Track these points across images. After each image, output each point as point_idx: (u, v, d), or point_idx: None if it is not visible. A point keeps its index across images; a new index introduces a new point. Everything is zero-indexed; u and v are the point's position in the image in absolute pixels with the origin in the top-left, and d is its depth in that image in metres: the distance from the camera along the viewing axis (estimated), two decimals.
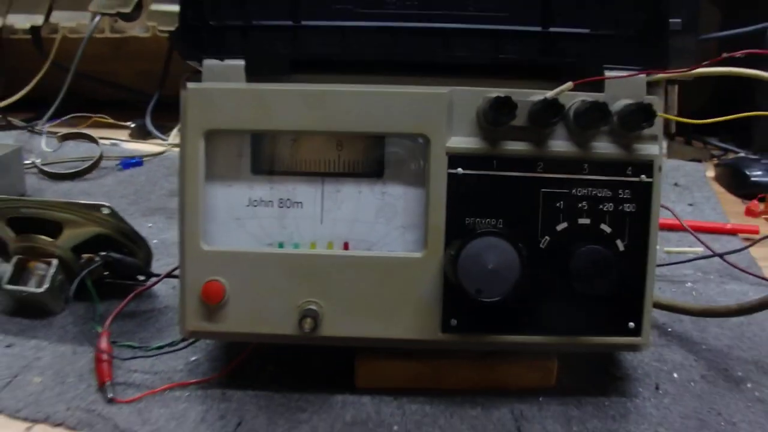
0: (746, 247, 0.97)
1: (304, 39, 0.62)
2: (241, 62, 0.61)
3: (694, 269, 0.94)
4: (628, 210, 0.60)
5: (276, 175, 0.62)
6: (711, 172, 1.35)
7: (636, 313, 0.61)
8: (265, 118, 0.60)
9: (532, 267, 0.58)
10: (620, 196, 0.60)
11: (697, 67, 0.62)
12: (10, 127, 1.54)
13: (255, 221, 0.62)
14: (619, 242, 0.60)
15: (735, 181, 1.28)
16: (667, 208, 1.05)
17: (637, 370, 0.70)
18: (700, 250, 0.96)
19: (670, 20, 1.21)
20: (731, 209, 1.19)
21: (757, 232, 1.06)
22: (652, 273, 0.61)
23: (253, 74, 0.61)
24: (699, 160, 1.40)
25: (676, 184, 1.26)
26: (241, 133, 0.61)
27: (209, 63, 0.61)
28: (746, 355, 0.74)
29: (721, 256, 0.92)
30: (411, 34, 0.62)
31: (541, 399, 0.65)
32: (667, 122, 1.41)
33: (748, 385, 0.68)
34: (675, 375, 0.70)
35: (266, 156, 0.62)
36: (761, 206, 1.17)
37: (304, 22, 0.62)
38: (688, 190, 1.24)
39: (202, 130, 0.60)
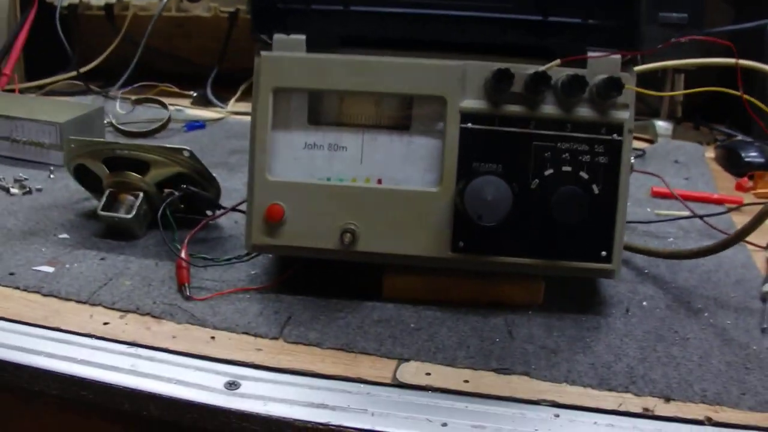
0: (726, 212, 1.12)
1: (351, 20, 0.78)
2: (303, 37, 0.77)
3: (678, 228, 1.07)
4: (602, 162, 0.75)
5: (326, 125, 0.78)
6: (711, 154, 1.46)
7: (608, 244, 0.76)
8: (320, 80, 0.76)
9: (523, 202, 0.74)
10: (596, 150, 0.75)
11: (655, 50, 0.77)
12: (88, 91, 1.68)
13: (309, 160, 0.78)
14: (594, 186, 0.75)
15: (730, 161, 1.38)
16: (659, 177, 1.21)
17: (612, 298, 0.84)
18: (687, 214, 1.09)
19: (678, 15, 1.37)
20: (724, 185, 1.29)
21: (740, 203, 1.18)
22: (622, 212, 0.76)
23: (311, 47, 0.77)
24: (701, 143, 1.52)
25: (676, 161, 1.38)
26: (301, 91, 0.77)
27: (278, 37, 0.77)
28: (708, 293, 0.87)
29: (701, 217, 1.06)
30: (435, 19, 0.78)
31: (530, 312, 0.80)
32: (673, 107, 1.55)
33: (705, 314, 0.82)
34: (644, 303, 0.84)
35: (320, 110, 0.78)
36: (750, 182, 1.27)
37: (352, 8, 0.78)
38: (685, 167, 1.35)
39: (271, 88, 0.76)
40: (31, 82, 1.78)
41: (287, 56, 0.77)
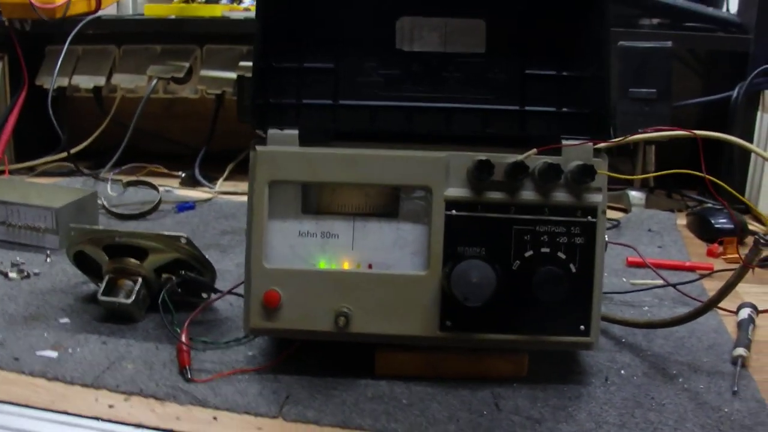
0: (696, 279, 1.17)
1: (341, 115, 0.84)
2: (296, 132, 0.82)
3: (652, 297, 1.12)
4: (578, 242, 0.81)
5: (320, 215, 0.83)
6: (683, 221, 1.52)
7: (586, 319, 0.81)
8: (313, 173, 0.81)
9: (506, 283, 0.79)
10: (572, 231, 0.80)
11: (632, 136, 0.83)
12: (77, 173, 1.72)
13: (303, 247, 0.83)
14: (572, 265, 0.80)
15: (701, 228, 1.44)
16: (632, 248, 1.26)
17: (592, 368, 0.88)
18: (661, 283, 1.14)
19: (647, 90, 1.44)
20: (696, 251, 1.35)
21: (711, 269, 1.23)
22: (598, 288, 0.81)
23: (304, 141, 0.82)
24: (673, 210, 1.58)
25: (649, 230, 1.44)
26: (295, 183, 0.82)
27: (272, 132, 0.82)
28: (683, 359, 0.91)
29: (674, 286, 1.12)
30: (420, 111, 0.84)
31: (515, 384, 0.84)
32: (646, 177, 1.60)
33: (680, 380, 0.86)
34: (622, 371, 0.88)
35: (312, 200, 0.83)
36: (720, 248, 1.33)
37: (341, 102, 0.84)
38: (659, 235, 1.41)
39: (267, 180, 0.81)
40: (20, 163, 1.82)
41: (281, 151, 0.82)
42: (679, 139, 0.85)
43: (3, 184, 1.45)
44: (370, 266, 0.82)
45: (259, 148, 0.82)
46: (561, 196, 0.81)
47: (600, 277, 0.81)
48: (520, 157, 0.79)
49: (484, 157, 0.79)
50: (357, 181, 0.81)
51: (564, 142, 0.82)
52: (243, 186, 1.61)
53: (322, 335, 0.83)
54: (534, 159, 0.80)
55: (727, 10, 1.88)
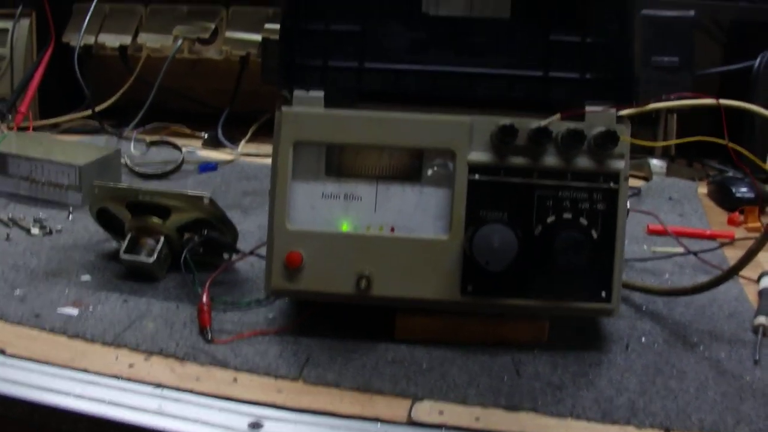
0: (717, 248, 1.16)
1: (366, 77, 0.84)
2: (321, 93, 0.82)
3: (673, 265, 1.11)
4: (600, 208, 0.80)
5: (343, 176, 0.83)
6: (704, 189, 1.51)
7: (607, 285, 0.81)
8: (337, 135, 0.82)
9: (528, 248, 0.79)
10: (594, 197, 0.80)
11: (650, 102, 0.82)
12: (101, 131, 1.72)
13: (326, 209, 0.83)
14: (593, 231, 0.80)
15: (722, 197, 1.43)
16: (654, 216, 1.26)
17: (612, 335, 0.89)
18: (681, 250, 1.14)
19: (669, 58, 1.43)
20: (717, 219, 1.34)
21: (732, 237, 1.23)
22: (620, 254, 0.81)
23: (329, 102, 0.82)
24: (694, 179, 1.57)
25: (670, 198, 1.43)
26: (320, 144, 0.83)
27: (298, 93, 0.83)
28: (703, 327, 0.91)
29: (695, 254, 1.12)
30: (445, 75, 0.84)
31: (535, 350, 0.84)
32: (667, 145, 1.60)
33: (701, 348, 0.86)
34: (642, 339, 0.88)
35: (336, 162, 0.83)
36: (741, 217, 1.32)
37: (367, 65, 0.84)
38: (679, 204, 1.40)
39: (291, 141, 0.82)
40: (45, 120, 1.82)
41: (307, 112, 0.82)
42: (700, 108, 0.85)
43: (27, 140, 1.46)
44: (392, 229, 0.83)
45: (284, 108, 0.82)
46: (583, 161, 0.80)
47: (621, 243, 0.81)
48: (543, 122, 0.79)
49: (508, 122, 0.78)
50: (381, 143, 0.82)
51: (587, 108, 0.81)
52: (265, 148, 1.61)
53: (343, 298, 0.83)
54: (557, 124, 0.79)
55: None
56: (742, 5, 1.72)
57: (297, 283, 0.83)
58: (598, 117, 0.81)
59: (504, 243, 0.77)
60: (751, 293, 1.01)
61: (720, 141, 0.82)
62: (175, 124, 1.75)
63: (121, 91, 1.77)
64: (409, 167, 0.83)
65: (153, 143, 1.59)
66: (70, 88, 1.78)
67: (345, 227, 0.83)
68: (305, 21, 0.84)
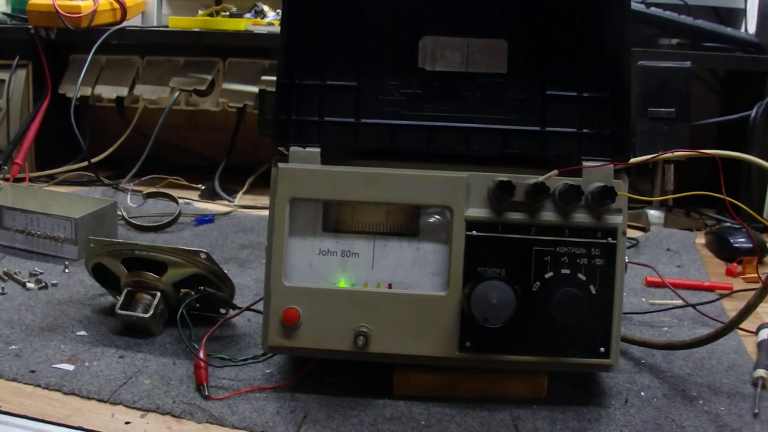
0: (716, 300, 1.16)
1: (362, 133, 0.84)
2: (318, 149, 0.83)
3: (672, 317, 1.11)
4: (598, 264, 0.80)
5: (340, 233, 0.83)
6: (702, 240, 1.51)
7: (606, 340, 0.81)
8: (334, 191, 0.82)
9: (526, 304, 0.79)
10: (592, 253, 0.80)
11: (644, 160, 0.83)
12: (98, 182, 1.73)
13: (323, 266, 0.83)
14: (591, 287, 0.80)
15: (720, 247, 1.44)
16: (651, 268, 1.26)
17: (612, 389, 0.88)
18: (680, 303, 1.13)
19: (666, 109, 1.45)
20: (715, 270, 1.34)
21: (731, 289, 1.23)
22: (618, 309, 0.81)
23: (326, 158, 0.83)
24: (692, 229, 1.57)
25: (668, 249, 1.43)
26: (316, 201, 0.82)
27: (295, 149, 0.83)
28: (702, 381, 0.91)
29: (693, 306, 1.11)
30: (441, 131, 0.84)
31: (534, 406, 0.84)
32: (665, 195, 1.60)
33: (700, 402, 0.86)
34: (642, 393, 0.88)
35: (334, 219, 0.83)
36: (739, 268, 1.33)
37: (363, 120, 0.84)
38: (677, 254, 1.40)
39: (288, 198, 0.81)
40: (41, 171, 1.83)
41: (303, 168, 0.82)
42: (698, 158, 0.85)
43: (23, 192, 1.46)
44: (389, 286, 0.82)
45: (281, 165, 0.82)
46: (581, 217, 0.81)
47: (620, 298, 0.81)
48: (541, 178, 0.79)
49: (505, 178, 0.79)
50: (378, 199, 0.81)
51: (584, 163, 0.81)
52: (262, 200, 1.61)
53: (341, 354, 0.82)
54: (554, 180, 0.80)
55: (746, 30, 1.88)
56: (738, 56, 1.74)
57: (294, 340, 0.82)
58: (595, 172, 0.81)
59: (502, 299, 0.77)
60: (749, 345, 1.01)
61: (716, 195, 0.82)
62: (172, 176, 1.75)
63: (118, 143, 1.79)
64: (406, 223, 0.83)
65: (149, 195, 1.59)
66: (67, 140, 1.80)
67: (342, 284, 0.82)
68: (301, 76, 0.85)
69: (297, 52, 0.85)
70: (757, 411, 0.83)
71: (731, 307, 1.15)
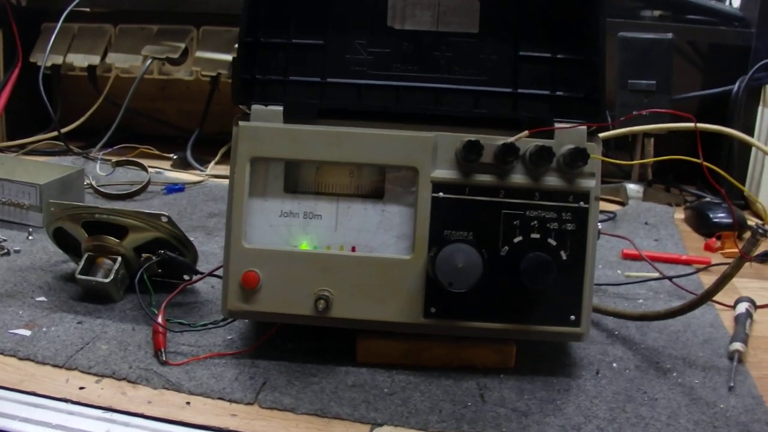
0: (693, 273, 1.15)
1: (328, 92, 0.81)
2: (280, 108, 0.80)
3: (648, 290, 1.09)
4: (569, 229, 0.78)
5: (302, 194, 0.80)
6: (681, 215, 1.50)
7: (576, 308, 0.79)
8: (297, 151, 0.79)
9: (493, 268, 0.76)
10: (564, 217, 0.78)
11: (617, 123, 0.80)
12: (68, 152, 1.70)
13: (285, 228, 0.80)
14: (562, 253, 0.78)
15: (699, 222, 1.42)
16: (629, 240, 1.24)
17: (583, 360, 0.86)
18: (656, 275, 1.12)
19: (647, 82, 1.43)
20: (693, 245, 1.33)
21: (708, 263, 1.21)
22: (589, 276, 0.79)
23: (288, 117, 0.80)
24: (671, 205, 1.55)
25: (646, 223, 1.41)
26: (278, 161, 0.80)
27: (256, 107, 0.80)
28: (677, 353, 0.89)
29: (669, 278, 1.10)
30: (409, 91, 0.81)
31: (501, 375, 0.82)
32: (644, 170, 1.58)
33: (674, 374, 0.84)
34: (614, 365, 0.86)
35: (296, 179, 0.80)
36: (718, 243, 1.31)
37: (329, 79, 0.81)
38: (655, 228, 1.39)
39: (248, 157, 0.79)
40: (11, 141, 1.79)
41: (265, 126, 0.79)
42: (678, 132, 0.83)
43: None
44: (353, 249, 0.80)
45: (241, 123, 0.79)
46: (552, 180, 0.78)
47: (592, 265, 0.79)
48: (510, 138, 0.76)
49: (473, 138, 0.76)
50: (342, 159, 0.79)
51: (556, 124, 0.79)
52: None
53: (302, 319, 0.80)
54: (525, 141, 0.77)
55: (730, 3, 1.86)
56: (721, 29, 1.72)
57: (254, 304, 0.79)
58: (567, 134, 0.78)
59: (468, 263, 0.74)
60: (726, 319, 0.99)
61: (694, 160, 0.79)
62: (144, 145, 1.72)
63: (89, 113, 1.76)
64: (370, 185, 0.80)
65: (118, 163, 1.56)
66: (38, 109, 1.76)
67: (304, 246, 0.80)
68: (266, 34, 0.82)
69: (261, 8, 0.82)
70: (732, 384, 0.82)
71: (709, 281, 1.10)
